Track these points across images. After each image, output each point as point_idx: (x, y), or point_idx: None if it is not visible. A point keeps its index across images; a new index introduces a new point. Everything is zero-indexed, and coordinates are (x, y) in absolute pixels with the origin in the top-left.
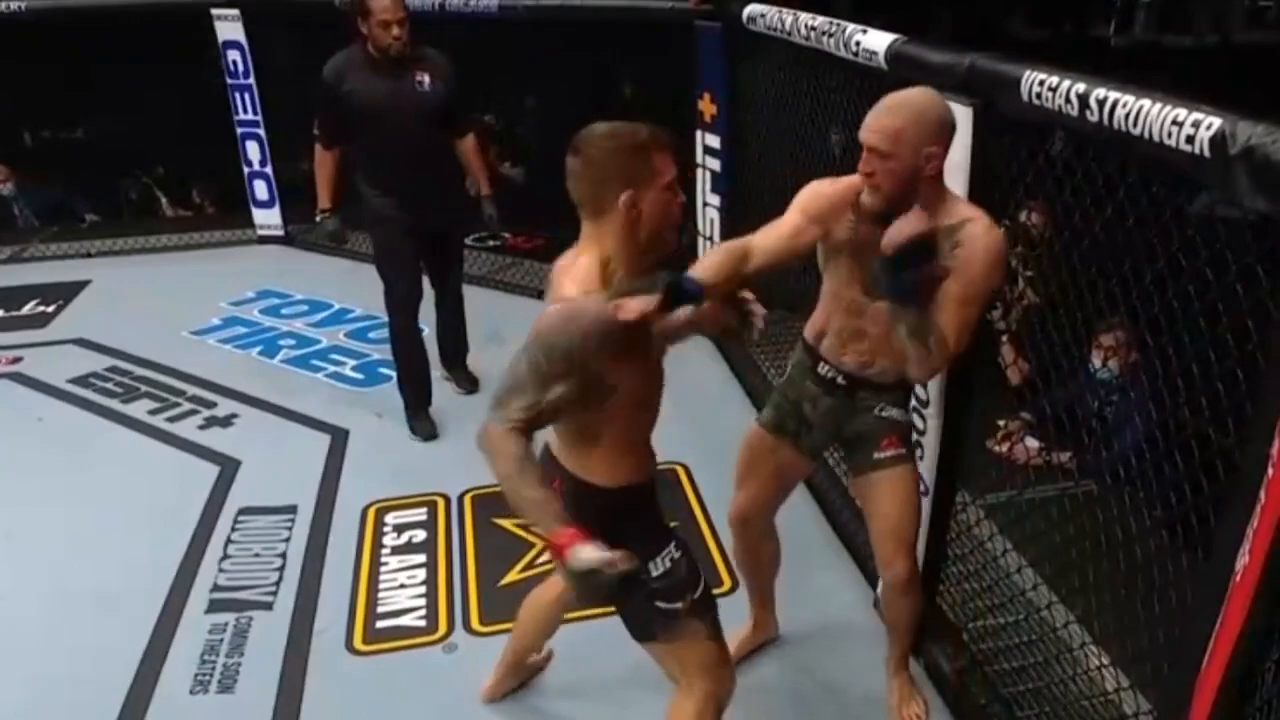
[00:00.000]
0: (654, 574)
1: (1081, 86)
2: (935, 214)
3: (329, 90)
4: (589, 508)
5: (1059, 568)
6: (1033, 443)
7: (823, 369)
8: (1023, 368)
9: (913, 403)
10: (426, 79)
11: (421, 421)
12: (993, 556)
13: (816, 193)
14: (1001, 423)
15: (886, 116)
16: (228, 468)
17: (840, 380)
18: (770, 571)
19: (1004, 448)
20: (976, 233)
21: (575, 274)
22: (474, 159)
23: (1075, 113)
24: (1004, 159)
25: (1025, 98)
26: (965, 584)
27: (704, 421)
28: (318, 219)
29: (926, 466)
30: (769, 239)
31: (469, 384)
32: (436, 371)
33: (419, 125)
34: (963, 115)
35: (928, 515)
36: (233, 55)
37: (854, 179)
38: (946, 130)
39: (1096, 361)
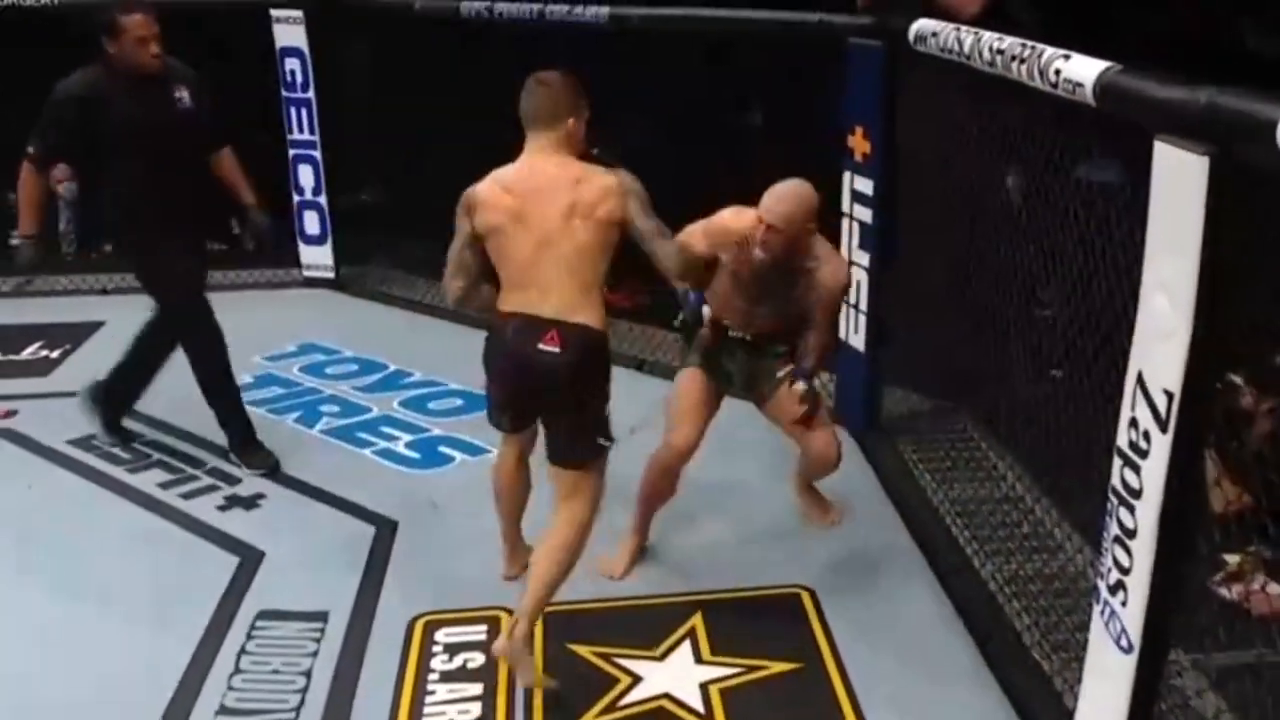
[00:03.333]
0: (606, 414)
1: None
2: (803, 256)
3: (79, 110)
4: (600, 346)
5: None
6: (1276, 588)
7: (732, 333)
8: (1236, 493)
9: (1114, 531)
10: (186, 95)
11: (255, 454)
12: None
13: (724, 229)
14: (1229, 557)
15: (783, 205)
16: (248, 559)
17: (747, 338)
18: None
19: (1234, 591)
20: (824, 277)
21: (583, 165)
22: (234, 172)
23: None
24: (1247, 230)
25: None
26: None
27: (834, 533)
28: (15, 243)
29: (1131, 616)
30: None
31: (262, 464)
32: None
33: (185, 144)
34: (1193, 167)
35: (1129, 680)
36: (291, 64)
37: (752, 218)
38: (817, 211)
39: None
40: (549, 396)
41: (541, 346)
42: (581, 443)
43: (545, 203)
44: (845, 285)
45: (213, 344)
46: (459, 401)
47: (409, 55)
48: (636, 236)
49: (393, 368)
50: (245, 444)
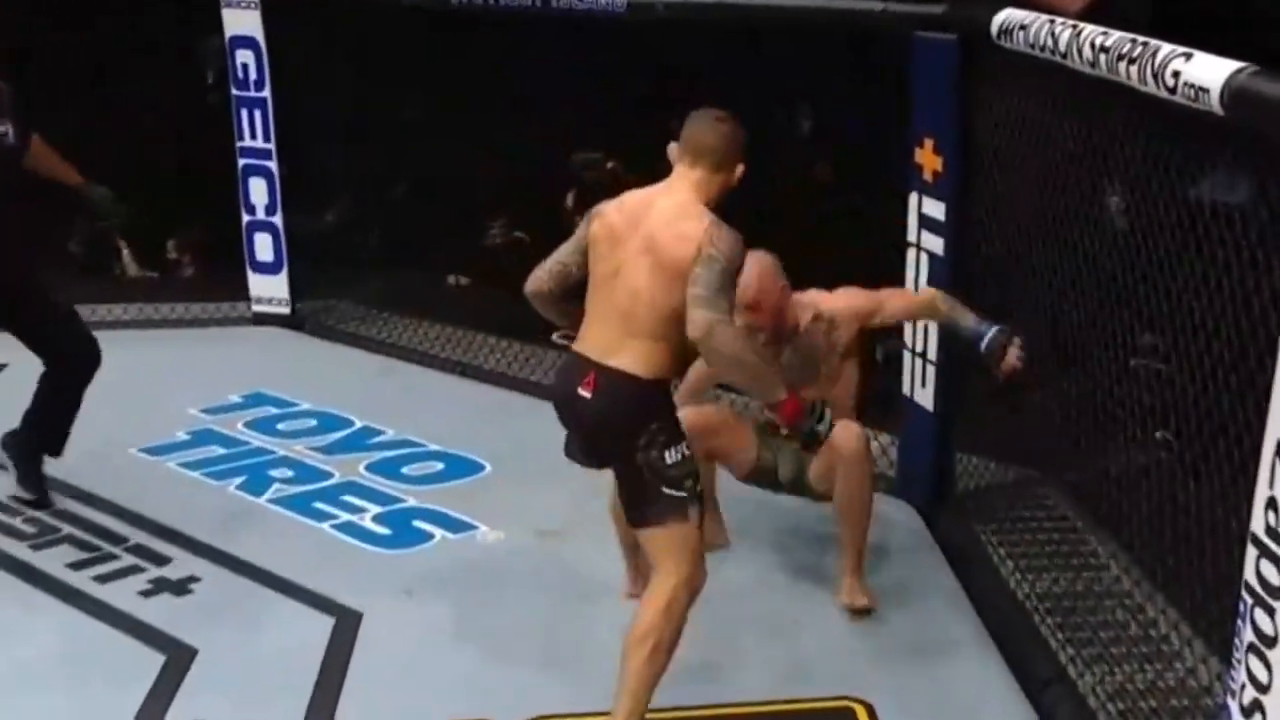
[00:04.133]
0: (668, 461)
1: None
2: (795, 317)
3: None
4: (657, 395)
5: None
6: None
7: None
8: None
9: (1248, 637)
10: (8, 128)
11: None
12: None
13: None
14: None
15: (772, 281)
16: (177, 658)
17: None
18: None
19: None
20: (829, 309)
21: (697, 211)
22: (50, 158)
23: None
24: None
25: None
26: None
27: (894, 632)
28: None
29: None
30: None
31: (33, 490)
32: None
33: (6, 178)
34: None
35: None
36: (243, 56)
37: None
38: (779, 268)
39: None
40: (593, 445)
41: (580, 391)
42: (644, 497)
43: (636, 233)
44: (854, 306)
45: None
46: (439, 465)
47: (384, 49)
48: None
49: (359, 424)
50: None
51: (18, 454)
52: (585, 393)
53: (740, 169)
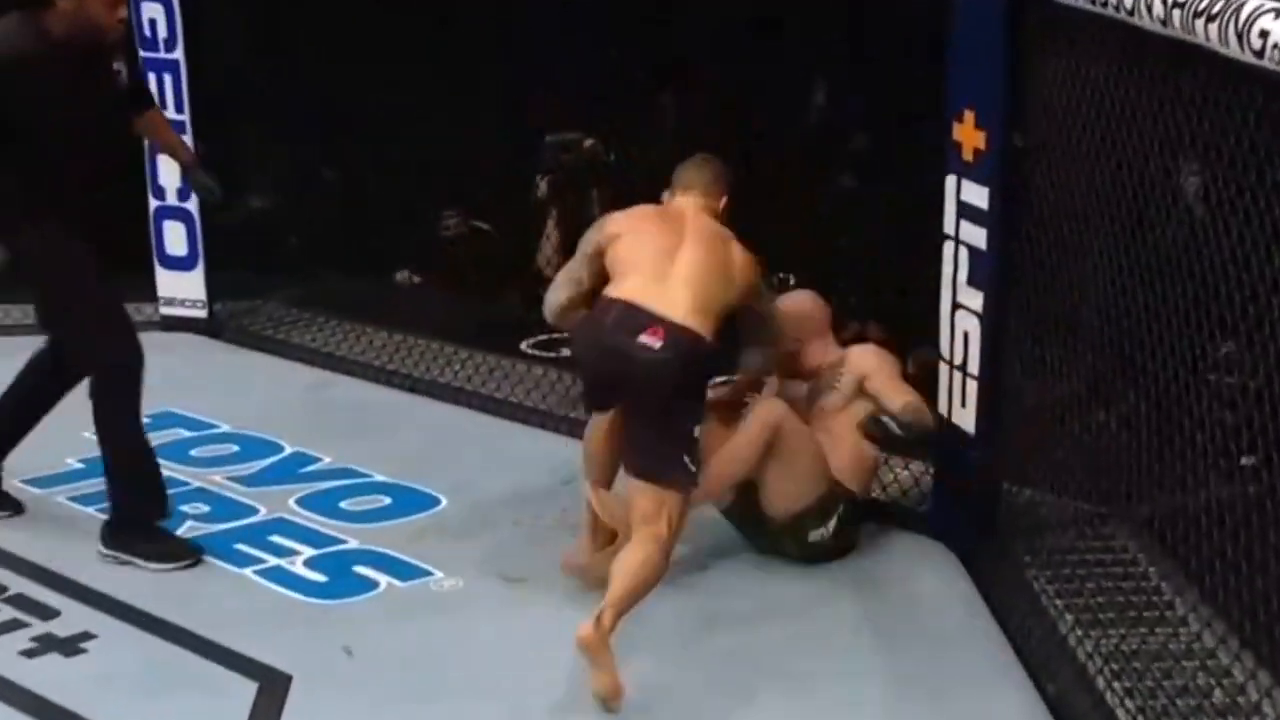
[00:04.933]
0: (696, 435)
1: None
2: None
3: None
4: (705, 356)
5: None
6: None
7: None
8: None
9: None
10: (123, 68)
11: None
12: None
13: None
14: None
15: (800, 325)
16: None
17: None
18: None
19: None
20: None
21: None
22: (166, 129)
23: None
24: None
25: None
26: None
27: (928, 693)
28: None
29: None
30: None
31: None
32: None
33: (112, 128)
34: None
35: None
36: (150, 10)
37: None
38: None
39: None
40: (638, 397)
41: (642, 339)
42: (668, 457)
43: (685, 222)
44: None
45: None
46: (386, 500)
47: (323, 7)
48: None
49: (289, 449)
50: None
51: None
52: (651, 340)
53: (725, 201)
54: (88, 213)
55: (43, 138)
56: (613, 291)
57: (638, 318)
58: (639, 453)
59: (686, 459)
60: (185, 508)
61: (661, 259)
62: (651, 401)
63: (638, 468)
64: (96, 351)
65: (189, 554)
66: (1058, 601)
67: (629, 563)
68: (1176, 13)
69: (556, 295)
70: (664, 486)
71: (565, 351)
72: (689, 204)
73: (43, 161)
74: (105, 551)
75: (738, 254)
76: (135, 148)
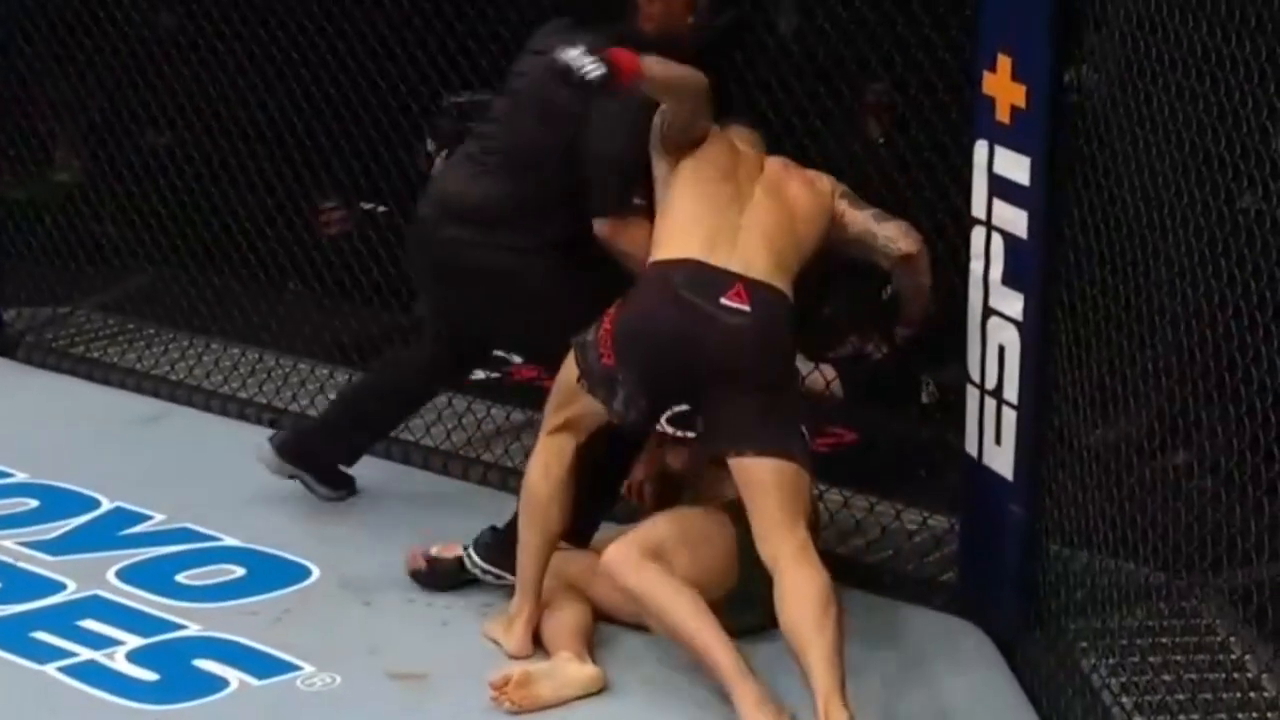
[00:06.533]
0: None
1: None
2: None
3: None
4: (792, 324)
5: None
6: None
7: None
8: None
9: None
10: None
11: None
12: None
13: None
14: None
15: None
16: None
17: None
18: None
19: None
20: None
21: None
22: None
23: None
24: None
25: None
26: None
27: None
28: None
29: None
30: None
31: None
32: None
33: None
34: None
35: None
36: None
37: None
38: None
39: None
40: (729, 371)
41: (725, 301)
42: (782, 426)
43: (753, 163)
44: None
45: None
46: (238, 570)
47: None
48: (849, 232)
49: (108, 505)
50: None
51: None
52: (736, 304)
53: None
54: None
55: None
56: (666, 253)
57: (712, 278)
58: (741, 429)
59: (803, 428)
60: None
61: (726, 203)
62: (751, 376)
63: (749, 446)
64: None
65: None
66: (1124, 700)
67: (808, 609)
68: None
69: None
70: (788, 460)
71: (476, 374)
72: (742, 137)
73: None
74: None
75: (807, 187)
76: None
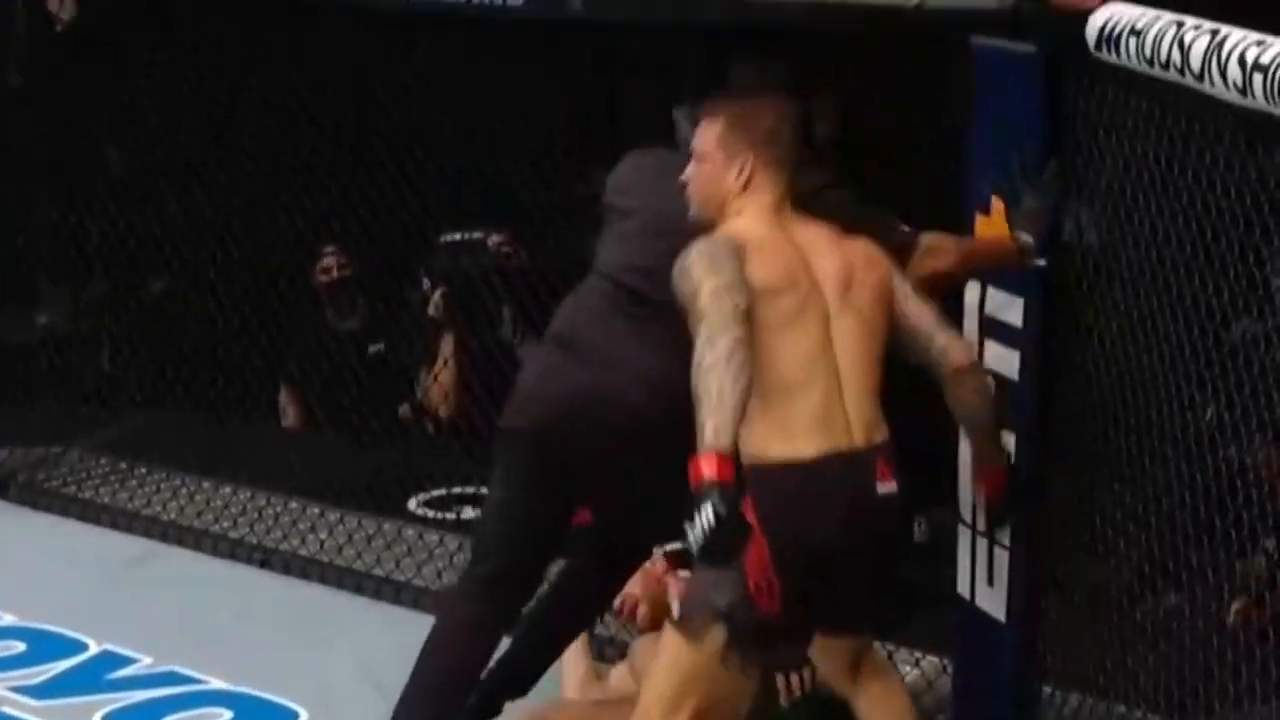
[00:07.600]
0: None
1: None
2: None
3: None
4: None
5: None
6: None
7: None
8: None
9: None
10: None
11: None
12: None
13: None
14: None
15: None
16: None
17: None
18: None
19: None
20: None
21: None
22: None
23: None
24: None
25: None
26: None
27: None
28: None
29: None
30: None
31: None
32: None
33: None
34: None
35: None
36: None
37: None
38: None
39: None
40: (881, 558)
41: (882, 488)
42: (887, 599)
43: (816, 268)
44: None
45: None
46: (226, 715)
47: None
48: (907, 332)
49: (96, 648)
50: None
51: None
52: (889, 487)
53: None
54: None
55: None
56: (794, 442)
57: (858, 463)
58: (856, 613)
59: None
60: None
61: (822, 348)
62: (893, 555)
63: (859, 625)
64: None
65: None
66: None
67: None
68: (1258, 79)
69: (734, 385)
70: (876, 637)
71: (468, 512)
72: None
73: None
74: None
75: (861, 247)
76: None
